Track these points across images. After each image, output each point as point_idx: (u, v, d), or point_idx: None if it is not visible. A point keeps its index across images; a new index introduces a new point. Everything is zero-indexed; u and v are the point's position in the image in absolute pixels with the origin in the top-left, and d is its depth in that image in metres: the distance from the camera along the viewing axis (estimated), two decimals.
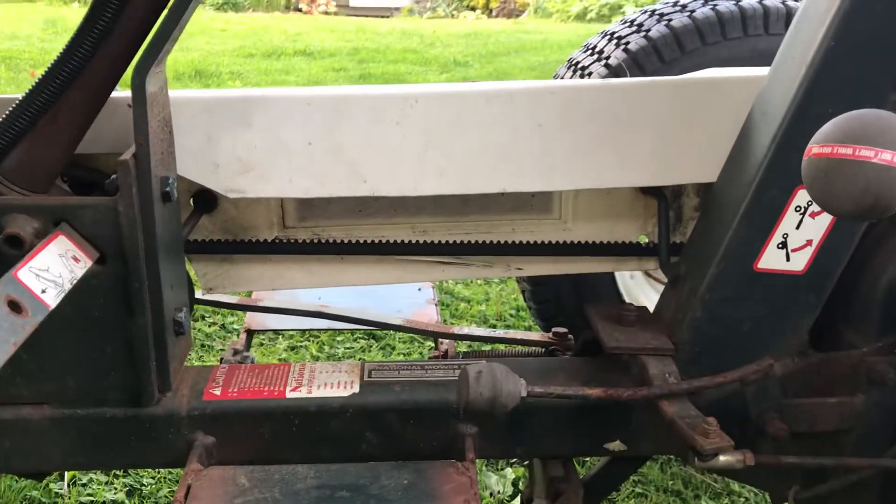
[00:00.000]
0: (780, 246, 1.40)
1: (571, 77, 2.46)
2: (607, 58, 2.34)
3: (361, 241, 1.68)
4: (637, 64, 2.27)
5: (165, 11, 1.26)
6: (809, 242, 1.40)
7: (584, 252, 1.70)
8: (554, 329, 1.78)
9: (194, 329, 3.14)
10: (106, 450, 1.44)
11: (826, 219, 1.39)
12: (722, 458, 1.31)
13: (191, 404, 1.43)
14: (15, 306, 1.08)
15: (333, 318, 1.79)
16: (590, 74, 2.36)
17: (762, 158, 1.37)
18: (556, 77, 2.58)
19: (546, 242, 1.70)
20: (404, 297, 2.08)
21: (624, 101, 1.51)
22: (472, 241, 1.69)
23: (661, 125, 1.52)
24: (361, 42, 10.94)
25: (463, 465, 1.37)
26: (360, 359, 2.99)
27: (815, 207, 1.38)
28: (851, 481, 1.42)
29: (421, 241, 1.69)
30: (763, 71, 1.48)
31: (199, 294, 1.75)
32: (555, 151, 1.52)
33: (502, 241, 1.70)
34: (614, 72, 2.29)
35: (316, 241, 1.68)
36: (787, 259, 1.41)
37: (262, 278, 1.71)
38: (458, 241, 1.69)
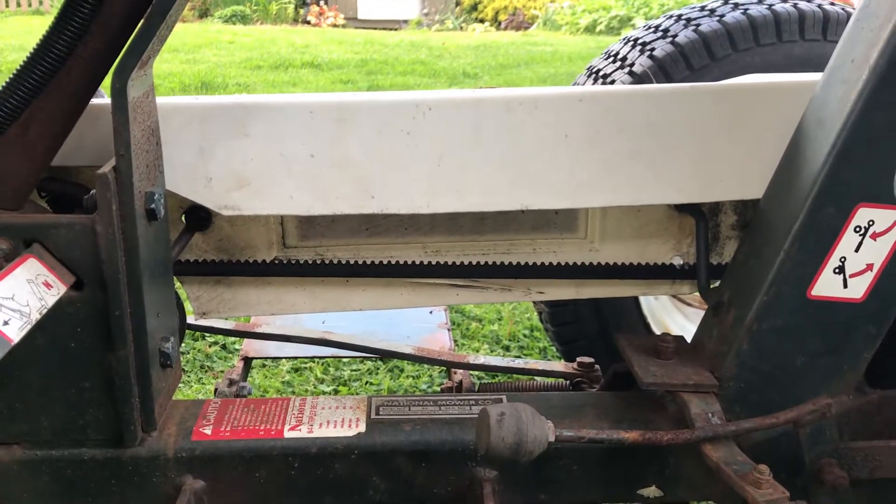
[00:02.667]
0: (837, 271, 1.25)
1: (594, 83, 2.31)
2: (631, 65, 2.20)
3: (369, 263, 1.54)
4: (664, 71, 2.13)
5: (150, 7, 1.12)
6: (870, 267, 1.25)
7: (613, 275, 1.56)
8: (579, 359, 1.63)
9: (193, 349, 3.00)
10: (83, 495, 1.30)
11: (889, 241, 1.24)
12: None
13: (178, 445, 1.29)
14: None
15: (338, 346, 1.65)
16: (612, 83, 2.22)
17: (817, 172, 1.22)
18: (575, 85, 2.44)
19: (571, 264, 1.55)
20: (414, 320, 1.93)
21: (659, 110, 1.36)
22: (490, 263, 1.55)
23: (700, 136, 1.38)
24: (370, 54, 10.86)
25: None
26: (366, 381, 2.84)
27: (877, 227, 1.23)
28: None
29: (434, 263, 1.54)
30: (815, 76, 1.34)
31: (191, 319, 1.61)
32: (583, 165, 1.37)
33: (522, 263, 1.55)
34: (639, 79, 2.14)
35: (319, 262, 1.53)
36: (845, 285, 1.26)
37: (261, 302, 1.57)
38: (474, 263, 1.55)
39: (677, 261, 1.57)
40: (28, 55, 1.13)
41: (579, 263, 1.56)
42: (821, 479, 1.28)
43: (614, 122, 1.36)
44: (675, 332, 2.28)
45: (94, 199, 1.18)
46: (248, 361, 1.77)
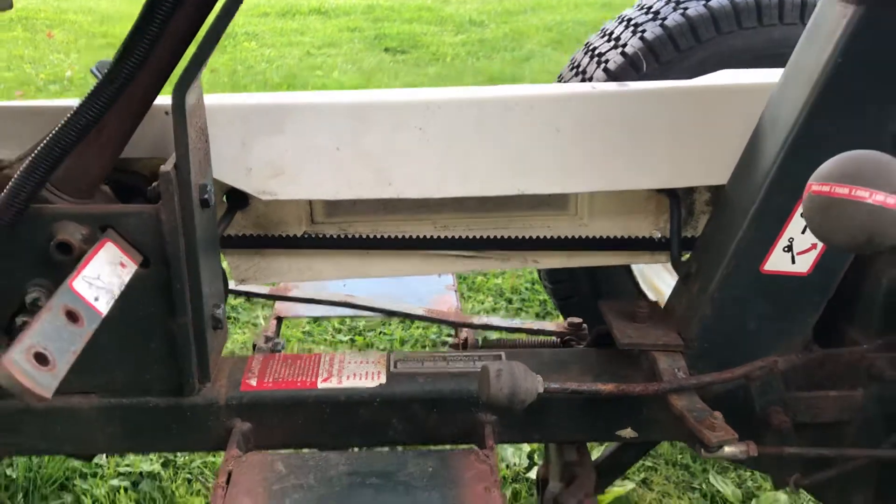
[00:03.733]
0: (786, 249, 1.47)
1: (589, 62, 2.50)
2: (623, 45, 2.39)
3: (386, 237, 1.76)
4: (652, 53, 2.32)
5: (206, 26, 1.32)
6: (814, 246, 1.47)
7: (599, 247, 1.78)
8: (569, 319, 1.86)
9: None
10: (149, 436, 1.55)
11: None
12: (727, 449, 1.40)
13: (229, 394, 1.53)
14: (72, 316, 1.18)
15: (359, 308, 1.88)
16: (606, 62, 2.40)
17: (770, 166, 1.43)
18: (573, 62, 2.63)
19: (562, 237, 1.77)
20: (425, 282, 2.16)
21: (639, 107, 1.57)
22: (491, 237, 1.77)
23: (674, 130, 1.58)
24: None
25: (484, 452, 1.46)
26: (380, 332, 3.09)
27: None
28: (849, 469, 1.51)
29: (442, 237, 1.76)
30: (774, 77, 1.54)
31: (232, 285, 1.84)
32: (572, 155, 1.58)
33: (520, 237, 1.77)
34: (630, 60, 2.33)
35: (342, 236, 1.76)
36: (793, 261, 1.48)
37: (292, 270, 1.80)
38: (478, 237, 1.77)
39: (656, 234, 1.79)
40: (105, 73, 1.33)
41: (570, 237, 1.78)
42: (768, 423, 1.52)
43: (599, 119, 1.57)
44: (662, 287, 2.51)
45: (156, 190, 1.40)
46: (279, 320, 2.01)
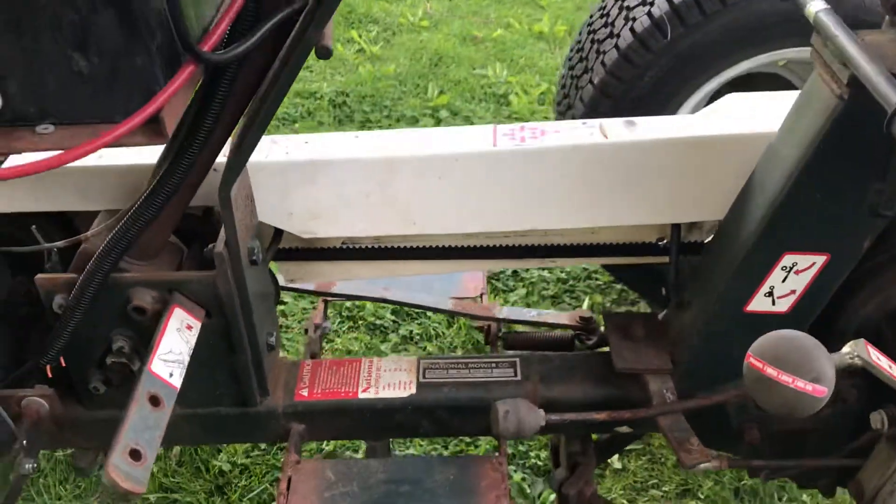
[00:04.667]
0: (767, 294, 1.65)
1: (617, 14, 2.52)
2: (651, 4, 2.40)
3: (413, 247, 1.96)
4: (679, 16, 2.34)
5: (242, 131, 1.47)
6: (793, 292, 1.64)
7: (608, 253, 1.96)
8: (580, 314, 2.08)
9: None
10: (222, 434, 1.88)
11: (809, 274, 1.62)
12: (702, 465, 1.66)
13: (285, 403, 1.82)
14: (154, 401, 1.45)
15: (394, 303, 2.13)
16: (634, 20, 2.43)
17: (757, 224, 1.57)
18: (603, 7, 2.63)
19: (575, 245, 1.95)
20: None
21: (641, 156, 1.70)
22: (510, 245, 1.96)
23: (675, 174, 1.71)
24: None
25: (497, 460, 1.75)
26: None
27: (799, 267, 1.61)
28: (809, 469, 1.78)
29: (467, 246, 1.95)
30: (773, 125, 1.63)
31: (282, 282, 2.09)
32: (577, 197, 1.74)
33: (536, 245, 1.96)
34: (655, 23, 2.37)
35: (376, 247, 1.96)
36: (773, 303, 1.66)
37: (333, 272, 2.03)
38: (499, 246, 1.96)
39: (661, 241, 1.96)
40: (164, 168, 1.46)
41: (582, 244, 1.95)
42: (742, 438, 1.76)
43: (603, 166, 1.70)
44: None
45: (211, 253, 1.62)
46: (326, 303, 2.28)
